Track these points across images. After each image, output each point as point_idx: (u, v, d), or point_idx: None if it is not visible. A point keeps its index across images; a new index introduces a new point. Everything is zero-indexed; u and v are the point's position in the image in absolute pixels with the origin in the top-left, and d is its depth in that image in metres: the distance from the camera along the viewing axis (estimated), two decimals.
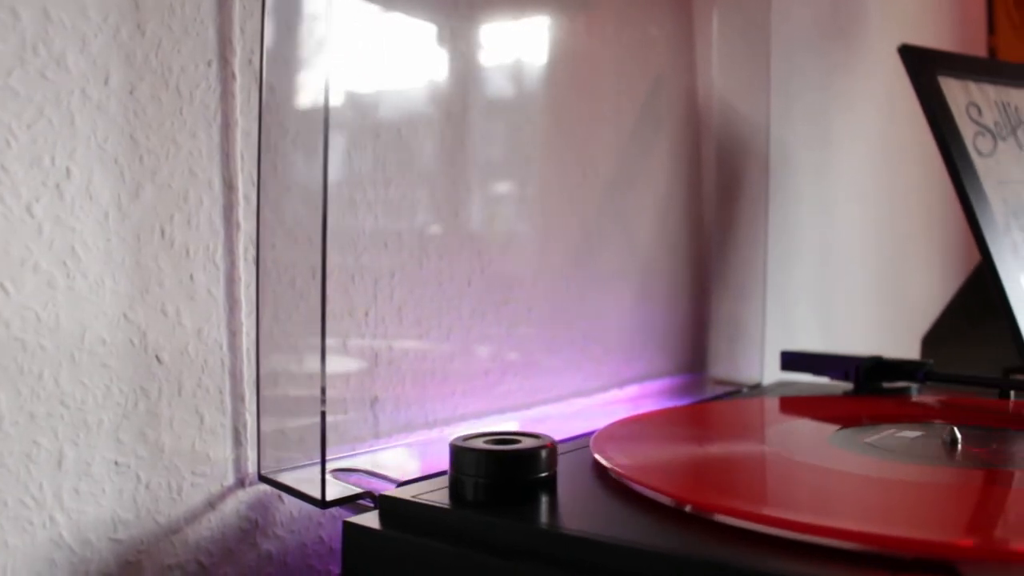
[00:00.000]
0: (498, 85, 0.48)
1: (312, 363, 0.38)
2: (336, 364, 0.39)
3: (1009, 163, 0.64)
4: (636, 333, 0.56)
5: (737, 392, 0.57)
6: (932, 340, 0.66)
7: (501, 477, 0.31)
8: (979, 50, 1.10)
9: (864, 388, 0.53)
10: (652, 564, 0.26)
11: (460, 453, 0.32)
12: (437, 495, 0.33)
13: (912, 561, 0.25)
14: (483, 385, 0.45)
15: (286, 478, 0.37)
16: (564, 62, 0.52)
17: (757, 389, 0.58)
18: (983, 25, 1.10)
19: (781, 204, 0.72)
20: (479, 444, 0.32)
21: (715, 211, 0.62)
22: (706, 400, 0.52)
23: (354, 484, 0.36)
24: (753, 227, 0.62)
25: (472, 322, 0.45)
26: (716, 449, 0.38)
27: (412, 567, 0.31)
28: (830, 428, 0.41)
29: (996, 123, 0.65)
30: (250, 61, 0.36)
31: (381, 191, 0.41)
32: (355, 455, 0.40)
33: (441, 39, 0.44)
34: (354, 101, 0.40)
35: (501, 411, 0.46)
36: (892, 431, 0.41)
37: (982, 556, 0.25)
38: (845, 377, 0.53)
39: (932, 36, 1.00)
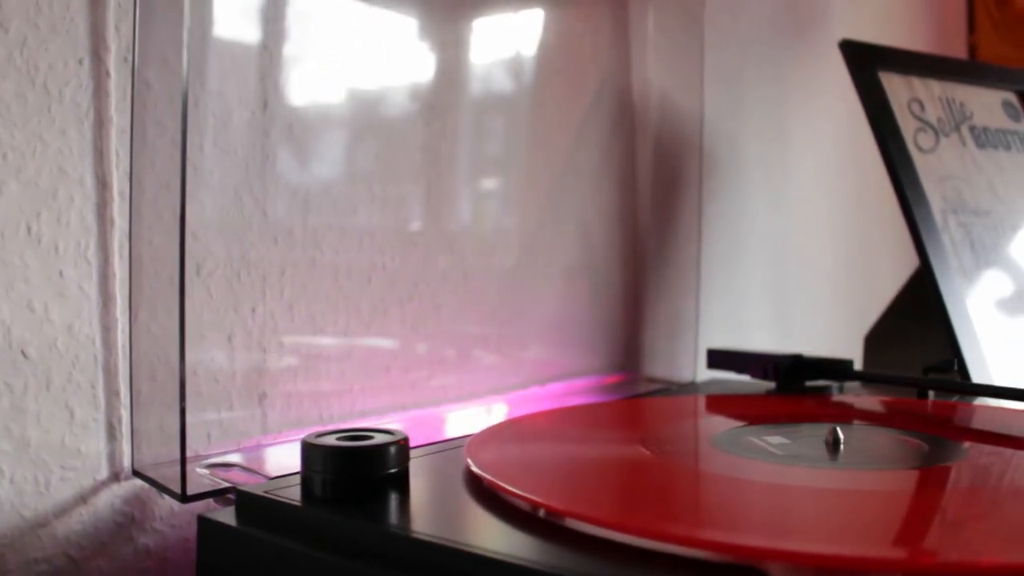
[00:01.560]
0: (419, 83, 0.48)
1: (192, 358, 0.38)
2: (220, 360, 0.39)
3: (951, 159, 0.63)
4: (561, 330, 0.56)
5: (665, 391, 0.57)
6: (874, 338, 0.66)
7: (346, 473, 0.31)
8: (958, 48, 1.08)
9: (786, 386, 0.52)
10: (480, 567, 0.26)
11: (309, 449, 0.32)
12: (292, 491, 0.33)
13: (723, 565, 0.25)
14: (384, 382, 0.45)
15: (163, 472, 0.37)
16: (493, 60, 0.52)
17: (687, 387, 0.58)
18: (963, 23, 1.09)
19: (732, 199, 0.72)
20: (329, 441, 0.32)
21: (651, 208, 0.61)
22: (618, 399, 0.52)
23: (228, 480, 0.36)
24: (688, 223, 0.61)
25: (372, 319, 0.45)
26: (591, 451, 0.38)
27: (265, 564, 0.31)
28: (722, 428, 0.41)
29: (939, 119, 0.64)
30: (126, 59, 0.37)
31: (271, 186, 0.41)
32: (241, 451, 0.40)
33: (340, 28, 0.44)
34: (243, 95, 0.40)
35: (404, 408, 0.46)
36: (785, 430, 0.40)
37: (785, 559, 0.25)
38: (764, 375, 0.52)
39: (906, 32, 0.99)
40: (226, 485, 0.35)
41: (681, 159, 0.62)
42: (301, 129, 0.42)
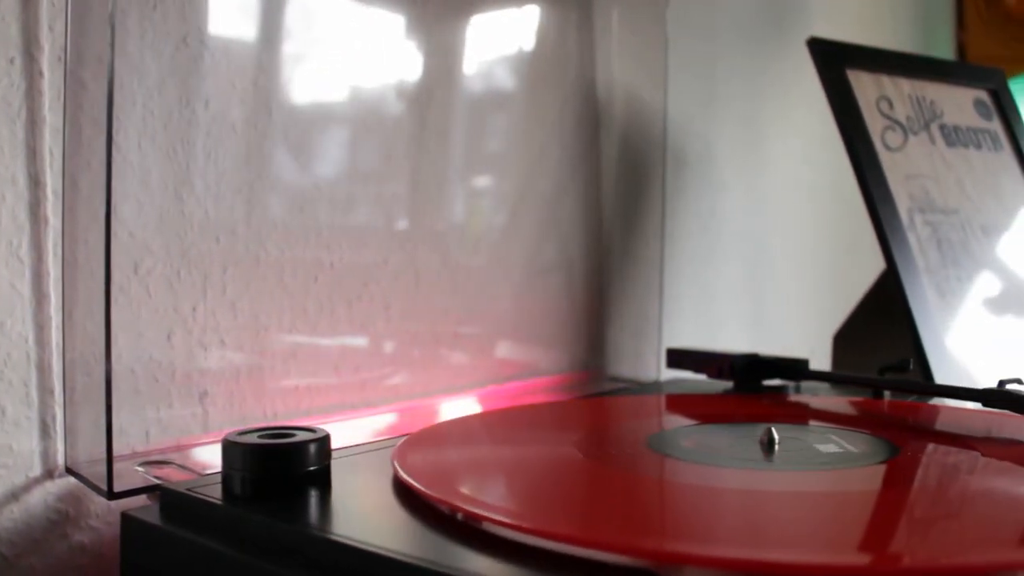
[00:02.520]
0: (374, 83, 0.48)
1: (130, 356, 0.38)
2: (159, 358, 0.39)
3: (919, 157, 0.62)
4: (521, 328, 0.56)
5: (626, 390, 0.57)
6: (843, 337, 0.65)
7: (264, 471, 0.31)
8: (946, 46, 1.08)
9: (743, 386, 0.52)
10: (393, 570, 0.26)
11: (229, 447, 0.32)
12: (215, 489, 0.33)
13: (619, 568, 0.25)
14: (333, 381, 0.45)
15: (97, 469, 0.37)
16: (454, 60, 0.52)
17: (649, 387, 0.58)
18: (951, 20, 1.08)
19: (704, 197, 0.71)
20: (249, 439, 0.32)
21: (616, 206, 0.61)
22: (567, 399, 0.52)
23: (161, 477, 0.37)
24: (654, 221, 0.61)
25: (319, 318, 0.45)
26: (523, 453, 0.37)
27: (186, 562, 0.31)
28: (662, 428, 0.41)
29: (908, 117, 0.64)
30: (60, 58, 0.37)
31: (213, 185, 0.41)
32: (180, 448, 0.40)
33: (285, 25, 0.44)
34: (183, 94, 0.40)
35: (354, 407, 0.46)
36: (726, 431, 0.40)
37: (677, 561, 0.24)
38: (720, 375, 0.52)
39: (891, 29, 0.98)
40: (154, 482, 0.35)
41: (646, 157, 0.62)
42: (244, 128, 0.42)
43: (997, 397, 0.40)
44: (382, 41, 0.48)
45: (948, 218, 0.62)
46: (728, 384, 0.53)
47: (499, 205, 0.54)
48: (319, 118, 0.46)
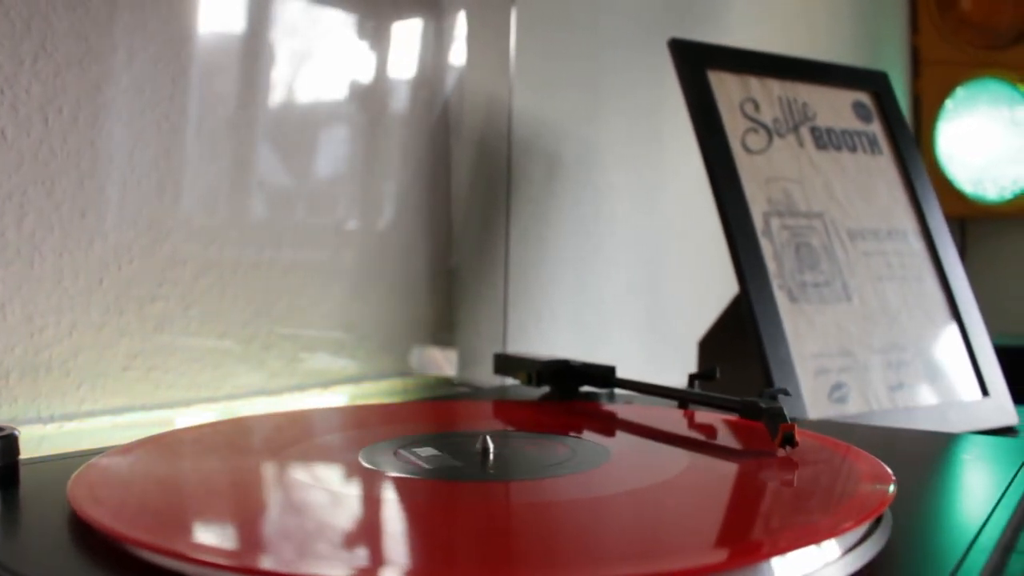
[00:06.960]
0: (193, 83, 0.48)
1: None
2: None
3: (783, 160, 0.61)
4: (350, 332, 0.56)
5: (462, 395, 0.56)
6: (706, 345, 0.64)
7: None
8: (898, 49, 1.05)
9: (561, 392, 0.51)
10: None
11: None
12: None
13: None
14: (121, 382, 0.46)
15: None
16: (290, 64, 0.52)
17: (482, 392, 0.57)
18: (904, 24, 1.05)
19: (586, 201, 0.71)
20: None
21: (468, 209, 0.61)
22: (344, 406, 0.51)
23: None
24: (497, 224, 0.61)
25: (105, 319, 0.46)
26: (221, 468, 0.36)
27: None
28: (389, 438, 0.39)
29: (776, 119, 0.62)
30: None
31: None
32: None
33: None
34: None
35: (145, 408, 0.47)
36: (456, 440, 0.39)
37: None
38: (530, 381, 0.51)
39: (827, 29, 0.96)
40: None
41: (495, 160, 0.61)
42: (15, 133, 0.43)
43: (747, 409, 0.39)
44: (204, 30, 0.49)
45: (811, 222, 0.60)
46: (544, 390, 0.52)
47: (325, 207, 0.55)
48: (99, 121, 0.46)
